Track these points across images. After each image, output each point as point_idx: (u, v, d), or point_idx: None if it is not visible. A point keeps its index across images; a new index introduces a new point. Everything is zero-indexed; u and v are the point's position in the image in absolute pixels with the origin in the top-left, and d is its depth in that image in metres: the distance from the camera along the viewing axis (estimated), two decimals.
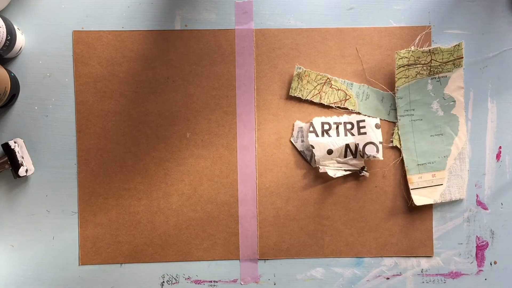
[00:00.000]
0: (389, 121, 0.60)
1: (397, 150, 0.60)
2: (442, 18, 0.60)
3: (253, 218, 0.59)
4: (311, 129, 0.59)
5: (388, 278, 0.60)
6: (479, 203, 0.61)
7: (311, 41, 0.59)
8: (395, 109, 0.60)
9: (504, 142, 0.60)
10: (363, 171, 0.59)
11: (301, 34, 0.59)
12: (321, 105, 0.60)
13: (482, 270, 0.61)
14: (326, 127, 0.59)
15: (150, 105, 0.59)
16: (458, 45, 0.58)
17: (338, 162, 0.59)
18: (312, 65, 0.59)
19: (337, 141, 0.59)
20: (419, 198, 0.59)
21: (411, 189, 0.59)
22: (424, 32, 0.60)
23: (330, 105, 0.60)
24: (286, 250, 0.60)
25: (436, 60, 0.58)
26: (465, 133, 0.60)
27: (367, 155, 0.58)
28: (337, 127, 0.59)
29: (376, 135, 0.58)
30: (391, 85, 0.60)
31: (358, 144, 0.58)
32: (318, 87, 0.59)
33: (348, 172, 0.59)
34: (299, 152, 0.60)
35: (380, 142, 0.58)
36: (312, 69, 0.59)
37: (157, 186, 0.59)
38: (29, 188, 0.59)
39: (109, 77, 0.59)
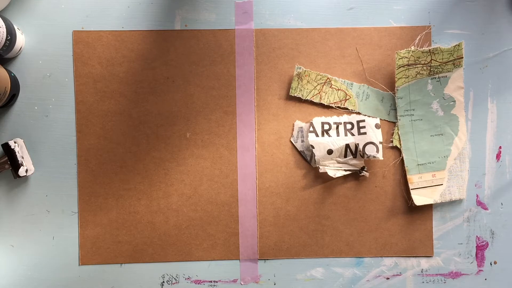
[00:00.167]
0: (389, 121, 0.60)
1: (397, 150, 0.60)
2: (442, 18, 0.60)
3: (253, 218, 0.59)
4: (311, 129, 0.59)
5: (388, 278, 0.60)
6: (479, 203, 0.61)
7: (311, 41, 0.59)
8: (395, 109, 0.60)
9: (504, 142, 0.60)
10: (363, 171, 0.59)
11: (301, 34, 0.59)
12: (321, 105, 0.60)
13: (482, 270, 0.61)
14: (326, 127, 0.59)
15: (150, 105, 0.59)
16: (458, 45, 0.58)
17: (338, 162, 0.59)
18: (312, 65, 0.59)
19: (337, 141, 0.59)
20: (419, 198, 0.59)
21: (411, 189, 0.59)
22: (424, 32, 0.60)
23: (330, 105, 0.60)
24: (286, 250, 0.60)
25: (436, 60, 0.58)
26: (465, 133, 0.60)
27: (367, 155, 0.58)
28: (337, 127, 0.59)
29: (376, 135, 0.58)
30: (391, 85, 0.60)
31: (358, 144, 0.58)
32: (318, 87, 0.59)
33: (348, 172, 0.59)
34: (299, 152, 0.60)
35: (380, 142, 0.58)
36: (312, 69, 0.59)
37: (157, 186, 0.59)
38: (29, 188, 0.59)
39: (109, 77, 0.59)
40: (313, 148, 0.58)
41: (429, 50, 0.58)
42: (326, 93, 0.59)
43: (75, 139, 0.59)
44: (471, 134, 0.60)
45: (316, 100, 0.59)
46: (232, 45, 0.59)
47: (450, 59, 0.58)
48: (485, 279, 0.61)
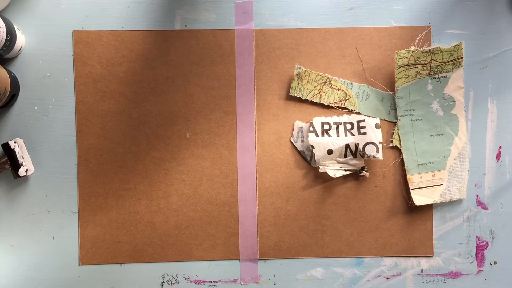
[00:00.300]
0: (389, 121, 0.60)
1: (397, 150, 0.60)
2: (442, 18, 0.60)
3: (253, 218, 0.59)
4: (311, 129, 0.59)
5: (388, 278, 0.60)
6: (479, 203, 0.61)
7: (311, 41, 0.59)
8: (395, 109, 0.60)
9: (504, 142, 0.60)
10: (363, 171, 0.59)
11: (301, 34, 0.59)
12: (321, 105, 0.60)
13: (482, 270, 0.61)
14: (326, 127, 0.59)
15: (150, 105, 0.59)
16: (458, 45, 0.58)
17: (338, 162, 0.59)
18: (312, 65, 0.59)
19: (337, 141, 0.59)
20: (419, 198, 0.59)
21: (411, 189, 0.59)
22: (424, 32, 0.60)
23: (330, 105, 0.60)
24: (286, 250, 0.60)
25: (436, 60, 0.58)
26: (465, 133, 0.60)
27: (367, 155, 0.58)
28: (337, 127, 0.59)
29: (376, 135, 0.58)
30: (391, 85, 0.60)
31: (358, 144, 0.58)
32: (318, 87, 0.59)
33: (348, 172, 0.59)
34: (299, 152, 0.60)
35: (380, 142, 0.58)
36: (312, 69, 0.59)
37: (157, 186, 0.59)
38: (29, 188, 0.59)
39: (109, 77, 0.59)
40: (313, 148, 0.58)
41: (429, 50, 0.58)
42: (326, 93, 0.59)
43: (75, 139, 0.59)
44: (471, 134, 0.60)
45: (316, 100, 0.59)
46: (232, 45, 0.59)
47: (450, 59, 0.58)
48: (485, 279, 0.61)
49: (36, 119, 0.59)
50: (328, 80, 0.59)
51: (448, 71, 0.59)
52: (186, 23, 0.59)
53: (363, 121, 0.59)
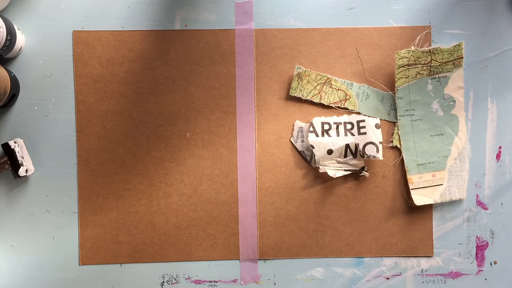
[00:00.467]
0: (389, 121, 0.60)
1: (397, 150, 0.60)
2: (442, 18, 0.60)
3: (253, 218, 0.59)
4: (311, 129, 0.59)
5: (388, 278, 0.60)
6: (479, 203, 0.61)
7: (311, 41, 0.59)
8: (395, 109, 0.60)
9: (504, 142, 0.60)
10: (363, 171, 0.59)
11: (301, 34, 0.59)
12: (321, 105, 0.60)
13: (482, 270, 0.61)
14: (326, 127, 0.59)
15: (150, 105, 0.59)
16: (458, 45, 0.58)
17: (338, 162, 0.59)
18: (312, 65, 0.59)
19: (337, 141, 0.59)
20: (419, 198, 0.59)
21: (411, 189, 0.59)
22: (424, 32, 0.60)
23: (330, 105, 0.60)
24: (286, 250, 0.60)
25: (436, 60, 0.58)
26: (465, 133, 0.60)
27: (367, 155, 0.58)
28: (337, 127, 0.59)
29: (376, 135, 0.58)
30: (391, 85, 0.60)
31: (358, 144, 0.58)
32: (318, 87, 0.59)
33: (348, 172, 0.59)
34: (299, 152, 0.60)
35: (380, 142, 0.58)
36: (312, 69, 0.59)
37: (157, 186, 0.59)
38: (29, 188, 0.59)
39: (109, 77, 0.59)
40: (313, 148, 0.58)
41: (429, 50, 0.58)
42: (326, 93, 0.59)
43: (75, 139, 0.59)
44: (471, 134, 0.60)
45: (316, 100, 0.59)
46: (232, 45, 0.59)
47: (450, 59, 0.58)
48: (485, 279, 0.61)
49: (36, 119, 0.59)
50: (328, 80, 0.59)
51: (448, 71, 0.59)
52: (186, 23, 0.59)
53: (363, 121, 0.59)
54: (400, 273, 0.60)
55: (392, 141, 0.60)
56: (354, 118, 0.59)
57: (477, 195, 0.61)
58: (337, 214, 0.60)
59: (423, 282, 0.60)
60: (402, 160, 0.60)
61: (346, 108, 0.60)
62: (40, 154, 0.59)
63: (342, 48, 0.60)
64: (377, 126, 0.59)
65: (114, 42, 0.59)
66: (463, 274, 0.61)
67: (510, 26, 0.60)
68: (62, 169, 0.59)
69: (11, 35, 0.53)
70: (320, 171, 0.58)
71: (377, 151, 0.58)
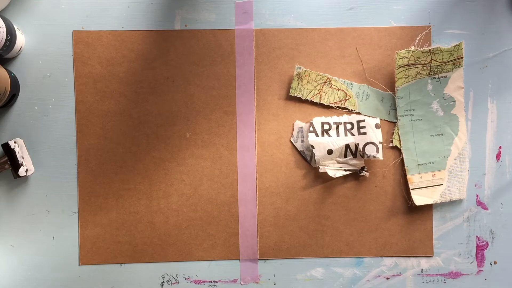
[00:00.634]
0: (389, 121, 0.60)
1: (397, 150, 0.60)
2: (442, 18, 0.60)
3: (253, 218, 0.59)
4: (311, 129, 0.59)
5: (388, 278, 0.60)
6: (479, 203, 0.61)
7: (311, 41, 0.59)
8: (395, 109, 0.60)
9: (504, 142, 0.60)
10: (363, 171, 0.59)
11: (301, 34, 0.59)
12: (321, 105, 0.60)
13: (482, 270, 0.61)
14: (326, 127, 0.59)
15: (150, 105, 0.59)
16: (458, 45, 0.58)
17: (338, 162, 0.59)
18: (312, 65, 0.59)
19: (337, 141, 0.59)
20: (419, 198, 0.59)
21: (411, 189, 0.59)
22: (424, 32, 0.60)
23: (330, 105, 0.60)
24: (286, 250, 0.60)
25: (436, 60, 0.58)
26: (465, 133, 0.60)
27: (367, 155, 0.58)
28: (337, 127, 0.59)
29: (376, 135, 0.58)
30: (391, 85, 0.60)
31: (358, 144, 0.58)
32: (318, 87, 0.59)
33: (348, 172, 0.59)
34: (299, 152, 0.60)
35: (380, 142, 0.58)
36: (312, 69, 0.59)
37: (157, 186, 0.59)
38: (29, 188, 0.59)
39: (109, 77, 0.59)
40: (313, 148, 0.58)
41: (429, 50, 0.58)
42: (326, 93, 0.59)
43: (75, 139, 0.59)
44: (471, 134, 0.60)
45: (316, 100, 0.59)
46: (232, 45, 0.59)
47: (450, 59, 0.58)
48: (485, 279, 0.61)
49: (36, 119, 0.59)
50: (328, 80, 0.59)
51: (448, 71, 0.59)
52: (186, 23, 0.59)
53: (363, 121, 0.59)
54: (400, 273, 0.60)
55: (392, 141, 0.60)
56: (354, 118, 0.59)
57: (477, 195, 0.61)
58: (337, 214, 0.60)
59: (423, 282, 0.60)
60: (402, 160, 0.60)
61: (346, 108, 0.60)
62: (40, 154, 0.59)
63: (342, 48, 0.60)
64: (377, 126, 0.59)
65: (114, 42, 0.59)
66: (463, 274, 0.61)
67: (510, 26, 0.60)
68: (62, 169, 0.59)
69: (11, 35, 0.53)
70: (320, 171, 0.58)
71: (377, 151, 0.58)
